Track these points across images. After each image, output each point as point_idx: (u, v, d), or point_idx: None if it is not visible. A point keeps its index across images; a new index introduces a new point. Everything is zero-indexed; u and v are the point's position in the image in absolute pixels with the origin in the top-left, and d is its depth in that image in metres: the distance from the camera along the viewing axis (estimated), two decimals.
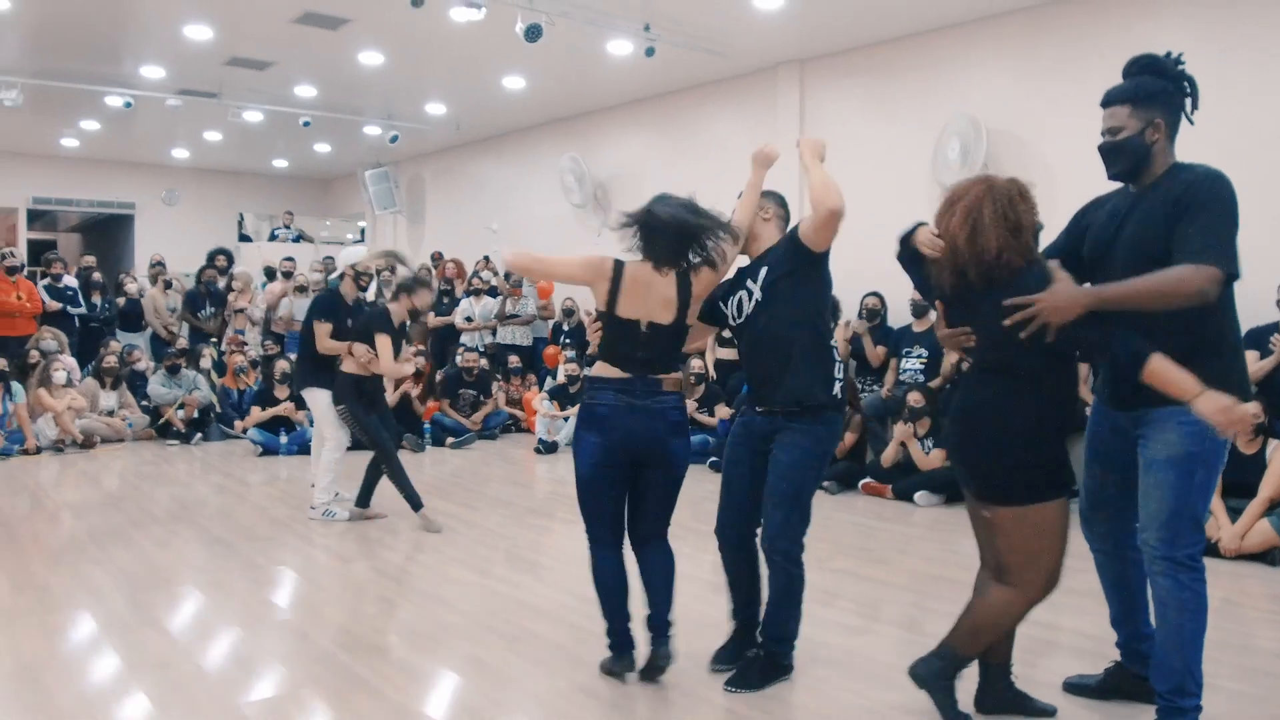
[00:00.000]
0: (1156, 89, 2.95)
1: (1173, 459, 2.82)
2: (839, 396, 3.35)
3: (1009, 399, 2.84)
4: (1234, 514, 5.43)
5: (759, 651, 3.47)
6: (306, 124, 11.37)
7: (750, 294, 3.41)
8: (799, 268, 3.35)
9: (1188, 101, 3.00)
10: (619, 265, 3.30)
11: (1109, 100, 3.01)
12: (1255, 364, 5.98)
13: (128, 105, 10.45)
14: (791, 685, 3.45)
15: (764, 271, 3.39)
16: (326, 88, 10.71)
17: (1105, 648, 3.46)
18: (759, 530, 3.40)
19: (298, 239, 15.41)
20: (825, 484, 7.32)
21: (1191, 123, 3.00)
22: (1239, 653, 3.85)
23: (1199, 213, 2.78)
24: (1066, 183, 7.66)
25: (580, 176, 11.50)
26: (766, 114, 9.64)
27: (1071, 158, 7.36)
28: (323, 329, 6.07)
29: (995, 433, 2.85)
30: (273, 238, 15.21)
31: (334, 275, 6.10)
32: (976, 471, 2.93)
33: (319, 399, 6.16)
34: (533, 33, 7.43)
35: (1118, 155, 2.98)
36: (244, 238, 16.39)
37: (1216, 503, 5.46)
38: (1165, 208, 2.85)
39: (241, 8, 7.96)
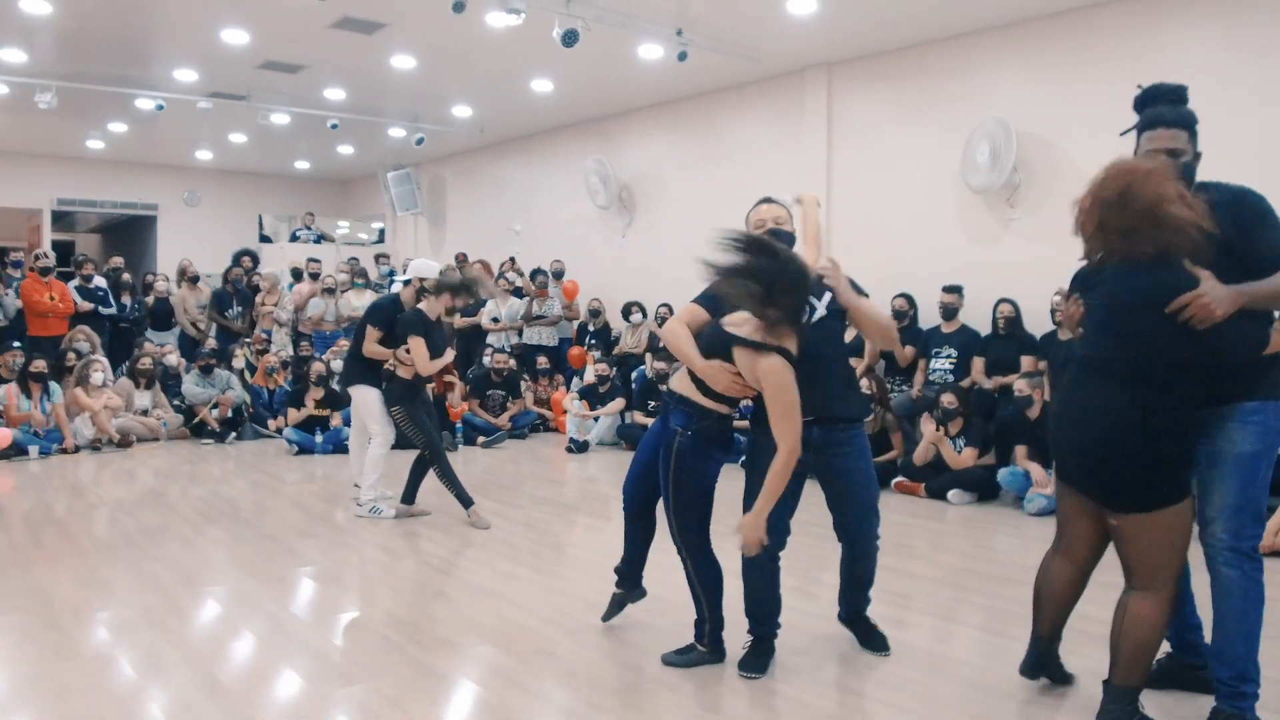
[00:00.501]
0: (1195, 121, 3.14)
1: (1241, 455, 2.94)
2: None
3: (1150, 407, 2.84)
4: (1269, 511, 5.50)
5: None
6: (334, 126, 11.49)
7: (813, 310, 3.55)
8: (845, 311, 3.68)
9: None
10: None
11: (1171, 123, 3.11)
12: None
13: (159, 108, 10.58)
14: (860, 678, 3.55)
15: (828, 296, 3.62)
16: (355, 90, 10.83)
17: None
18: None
19: (319, 240, 15.53)
20: None
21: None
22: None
23: (1264, 224, 2.96)
24: None
25: (605, 178, 11.61)
26: (794, 117, 9.74)
27: (1100, 160, 7.45)
28: (373, 334, 6.19)
29: (1135, 442, 2.86)
30: (294, 239, 15.31)
31: (400, 280, 6.17)
32: (1111, 481, 2.95)
33: (367, 396, 6.26)
34: (570, 38, 7.53)
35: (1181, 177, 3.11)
36: (263, 238, 16.51)
37: None
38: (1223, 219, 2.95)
39: (280, 13, 8.08)
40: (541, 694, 3.40)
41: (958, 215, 8.44)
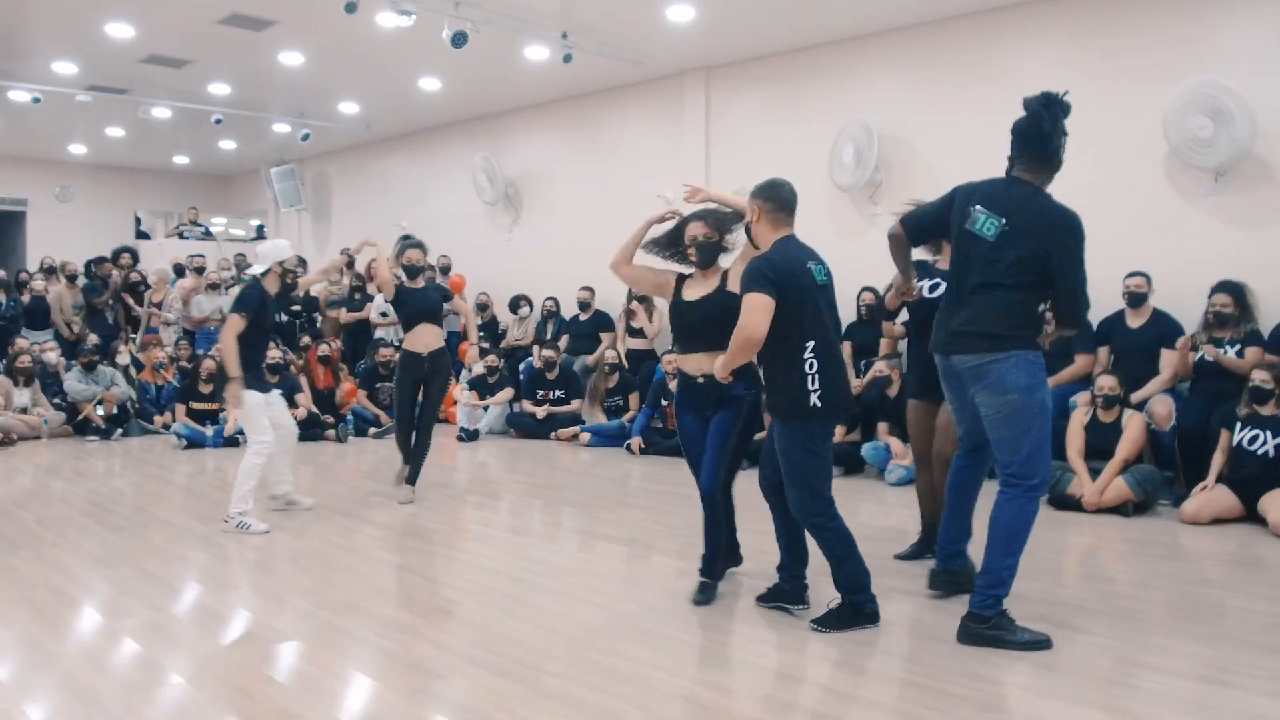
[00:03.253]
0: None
1: None
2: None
3: None
4: (1094, 473, 6.20)
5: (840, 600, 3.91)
6: (218, 121, 11.46)
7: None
8: None
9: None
10: None
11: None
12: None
13: (36, 101, 10.38)
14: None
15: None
16: (241, 86, 10.84)
17: None
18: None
19: (207, 234, 15.33)
20: None
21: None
22: (1104, 582, 4.57)
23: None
24: (950, 185, 8.45)
25: (492, 175, 11.88)
26: (674, 118, 10.22)
27: (956, 163, 8.11)
28: (238, 323, 5.64)
29: None
30: (181, 236, 15.05)
31: (256, 271, 5.82)
32: None
33: (245, 400, 5.69)
34: (459, 39, 7.82)
35: None
36: (142, 235, 16.17)
37: (1080, 463, 6.26)
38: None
39: (168, 8, 8.11)
40: (448, 647, 3.73)
41: (827, 211, 9.05)
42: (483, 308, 11.51)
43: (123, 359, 10.20)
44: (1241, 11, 6.87)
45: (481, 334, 11.30)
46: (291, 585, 4.53)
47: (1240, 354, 6.39)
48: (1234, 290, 6.50)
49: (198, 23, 8.45)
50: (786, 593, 4.07)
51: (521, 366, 10.60)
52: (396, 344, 10.99)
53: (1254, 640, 3.75)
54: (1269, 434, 5.81)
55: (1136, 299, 6.89)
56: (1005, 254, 3.63)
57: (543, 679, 3.32)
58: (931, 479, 4.79)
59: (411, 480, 6.57)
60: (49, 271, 11.86)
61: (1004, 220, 3.65)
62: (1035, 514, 3.67)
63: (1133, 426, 6.29)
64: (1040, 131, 3.75)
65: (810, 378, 3.65)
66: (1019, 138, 3.80)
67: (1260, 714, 3.06)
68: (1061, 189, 3.75)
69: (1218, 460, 6.01)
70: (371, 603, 4.23)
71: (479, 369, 10.29)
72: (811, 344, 3.67)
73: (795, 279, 3.65)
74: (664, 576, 4.72)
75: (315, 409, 9.66)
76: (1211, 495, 5.89)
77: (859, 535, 3.92)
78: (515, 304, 11.23)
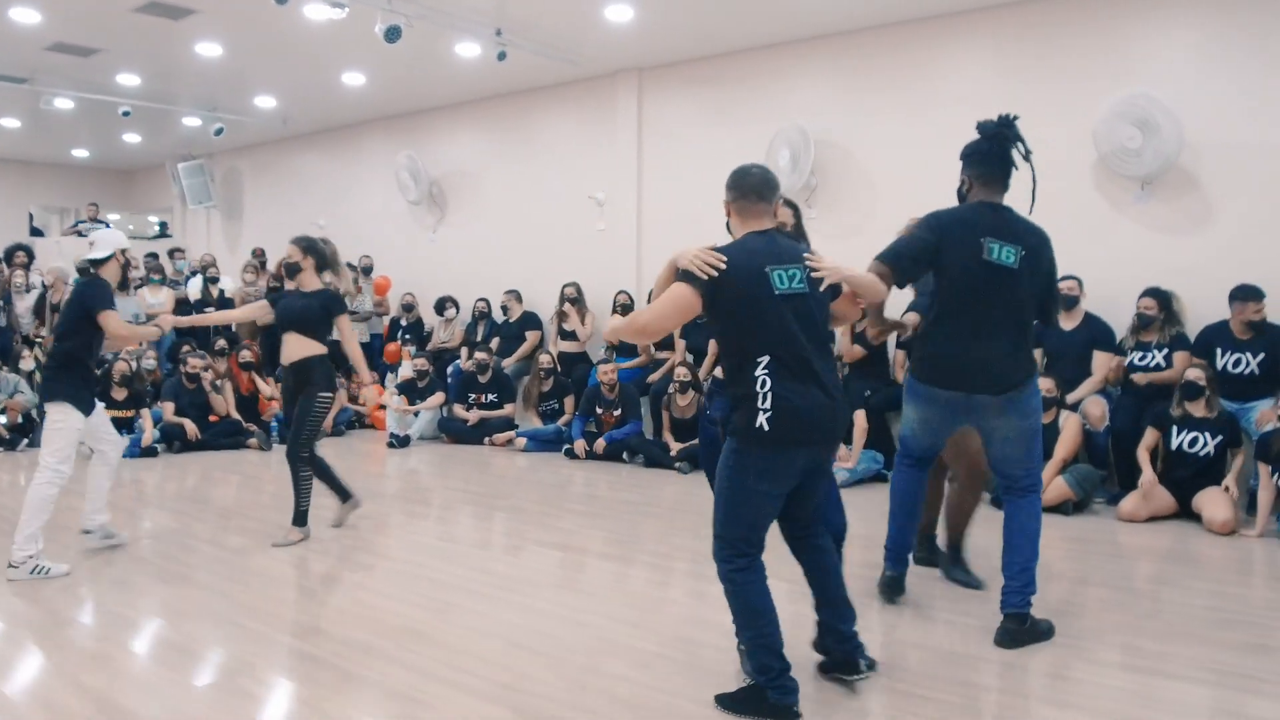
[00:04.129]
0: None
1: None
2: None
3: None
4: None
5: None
6: (126, 114, 10.91)
7: None
8: None
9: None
10: None
11: None
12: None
13: None
14: None
15: None
16: (151, 77, 10.34)
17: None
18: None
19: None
20: (678, 465, 7.88)
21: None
22: (1050, 580, 4.66)
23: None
24: (885, 191, 8.62)
25: (415, 173, 11.60)
26: (606, 118, 10.12)
27: (890, 168, 8.26)
28: (111, 316, 5.00)
29: None
30: (79, 233, 14.28)
31: (96, 255, 5.04)
32: None
33: (57, 417, 4.92)
34: (393, 34, 7.59)
35: None
36: (35, 231, 15.35)
37: None
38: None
39: None
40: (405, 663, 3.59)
41: None
42: (408, 309, 11.23)
43: (26, 364, 9.62)
44: (1169, 24, 7.11)
45: (408, 336, 11.03)
46: (240, 607, 4.30)
47: (1168, 359, 6.63)
48: (1159, 295, 6.75)
49: (111, 10, 8.01)
50: (839, 660, 3.33)
51: (450, 370, 10.38)
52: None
53: (1193, 633, 3.93)
54: (1208, 435, 6.03)
55: (1069, 302, 7.06)
56: (1024, 280, 3.70)
57: (533, 703, 3.21)
58: (963, 493, 4.67)
59: (298, 521, 5.52)
60: None
61: (1019, 246, 3.71)
62: None
63: (1069, 427, 6.45)
64: (1003, 153, 3.83)
65: (760, 396, 3.03)
66: (979, 160, 3.88)
67: (1197, 703, 3.25)
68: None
69: (1145, 457, 6.19)
70: (332, 624, 4.05)
71: (407, 373, 10.05)
72: (766, 360, 3.04)
73: (744, 284, 3.05)
74: (626, 587, 4.64)
75: (238, 416, 9.28)
76: (1148, 494, 6.08)
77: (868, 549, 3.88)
78: (441, 305, 10.99)
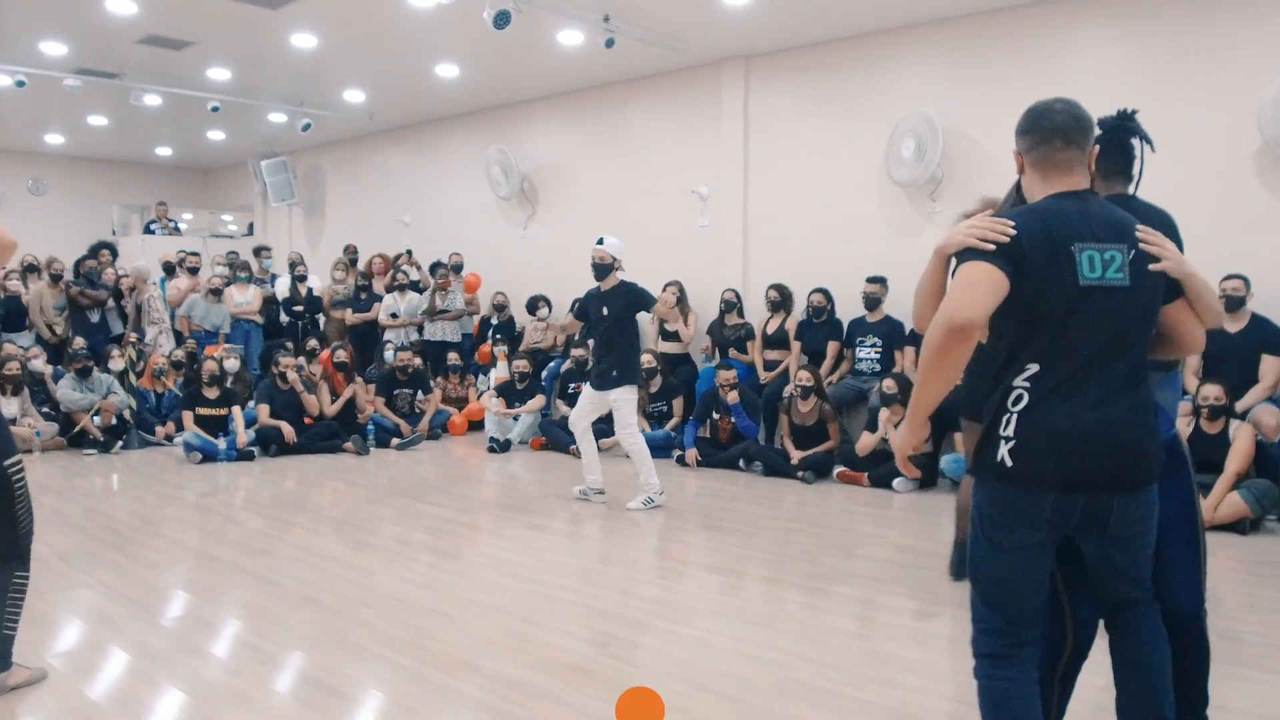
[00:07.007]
0: None
1: None
2: None
3: None
4: (1204, 489, 5.79)
5: None
6: (215, 109, 10.71)
7: None
8: None
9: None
10: None
11: None
12: None
13: (20, 84, 9.59)
14: None
15: None
16: (242, 71, 10.12)
17: None
18: None
19: (176, 230, 14.52)
20: (801, 474, 7.43)
21: None
22: (1214, 603, 4.14)
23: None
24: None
25: (507, 168, 11.26)
26: (709, 110, 9.67)
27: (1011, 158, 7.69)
28: None
29: None
30: (149, 231, 14.20)
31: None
32: None
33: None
34: (502, 20, 7.21)
35: None
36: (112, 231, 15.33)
37: None
38: None
39: None
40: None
41: (879, 208, 8.55)
42: (500, 308, 10.89)
43: (116, 364, 9.44)
44: None
45: (499, 336, 10.69)
46: (368, 632, 3.94)
47: None
48: None
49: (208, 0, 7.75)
50: None
51: (545, 372, 10.02)
52: (406, 345, 10.35)
53: None
54: None
55: (1234, 302, 6.48)
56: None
57: None
58: None
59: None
60: (29, 270, 11.03)
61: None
62: None
63: (1241, 438, 5.89)
64: (1126, 147, 3.18)
65: (1009, 419, 2.23)
66: (1100, 155, 3.21)
67: None
68: (1142, 189, 3.26)
69: None
70: (485, 659, 3.66)
71: (502, 374, 9.72)
72: (1034, 369, 2.21)
73: (1040, 264, 2.18)
74: (789, 613, 4.21)
75: (332, 416, 9.02)
76: None
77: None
78: (533, 305, 10.64)
